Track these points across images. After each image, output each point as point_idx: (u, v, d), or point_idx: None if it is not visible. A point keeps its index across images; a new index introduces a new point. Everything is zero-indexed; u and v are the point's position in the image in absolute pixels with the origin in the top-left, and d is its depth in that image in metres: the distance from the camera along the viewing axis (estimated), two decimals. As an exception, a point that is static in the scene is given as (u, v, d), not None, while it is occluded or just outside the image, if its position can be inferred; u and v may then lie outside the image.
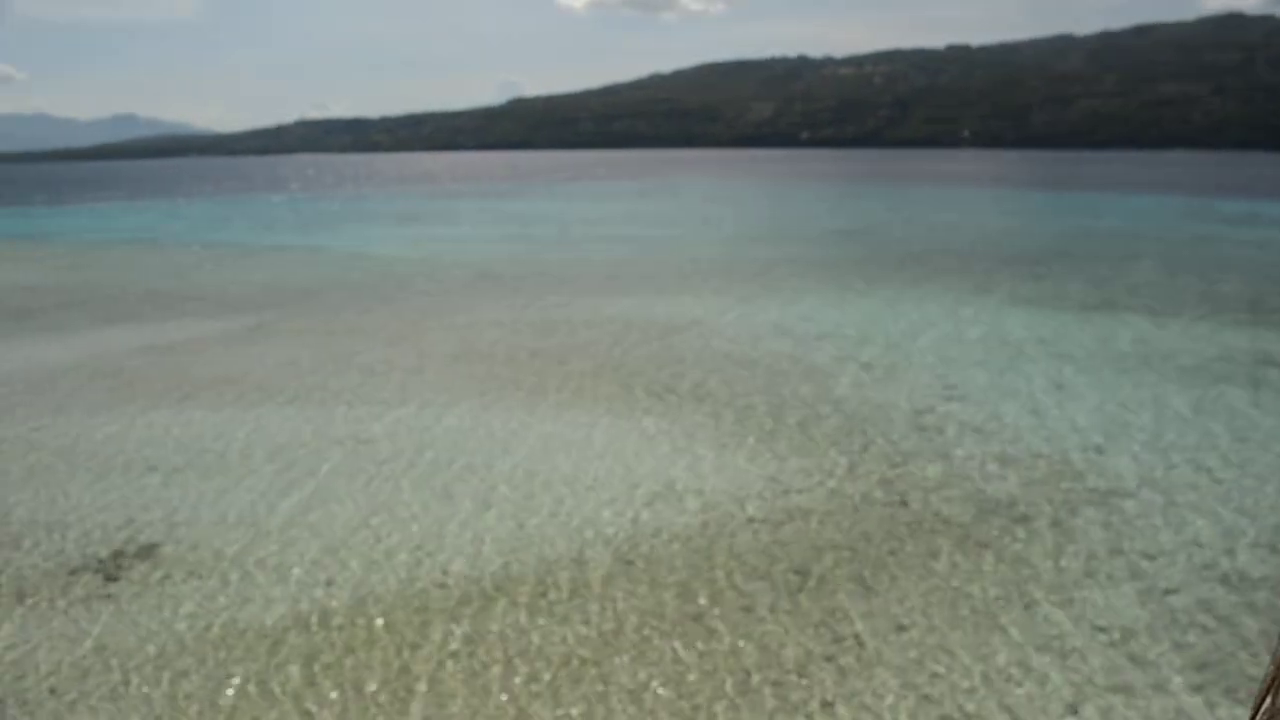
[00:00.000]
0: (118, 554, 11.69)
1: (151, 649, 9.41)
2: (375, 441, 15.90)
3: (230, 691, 8.64)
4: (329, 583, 10.78)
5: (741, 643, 9.32)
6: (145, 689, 8.71)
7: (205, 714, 8.30)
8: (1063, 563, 10.99)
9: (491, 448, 15.48)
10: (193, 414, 17.89)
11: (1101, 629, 9.46)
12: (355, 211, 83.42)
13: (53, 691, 8.72)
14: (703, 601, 10.17)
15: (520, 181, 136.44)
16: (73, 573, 11.21)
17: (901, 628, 9.57)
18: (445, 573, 10.99)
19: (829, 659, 9.04)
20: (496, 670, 8.94)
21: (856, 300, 29.26)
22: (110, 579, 11.01)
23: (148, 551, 11.72)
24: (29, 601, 10.52)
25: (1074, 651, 9.06)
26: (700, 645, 9.30)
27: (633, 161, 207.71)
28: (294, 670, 8.96)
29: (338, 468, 14.68)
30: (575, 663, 9.05)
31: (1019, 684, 8.54)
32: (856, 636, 9.43)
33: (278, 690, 8.64)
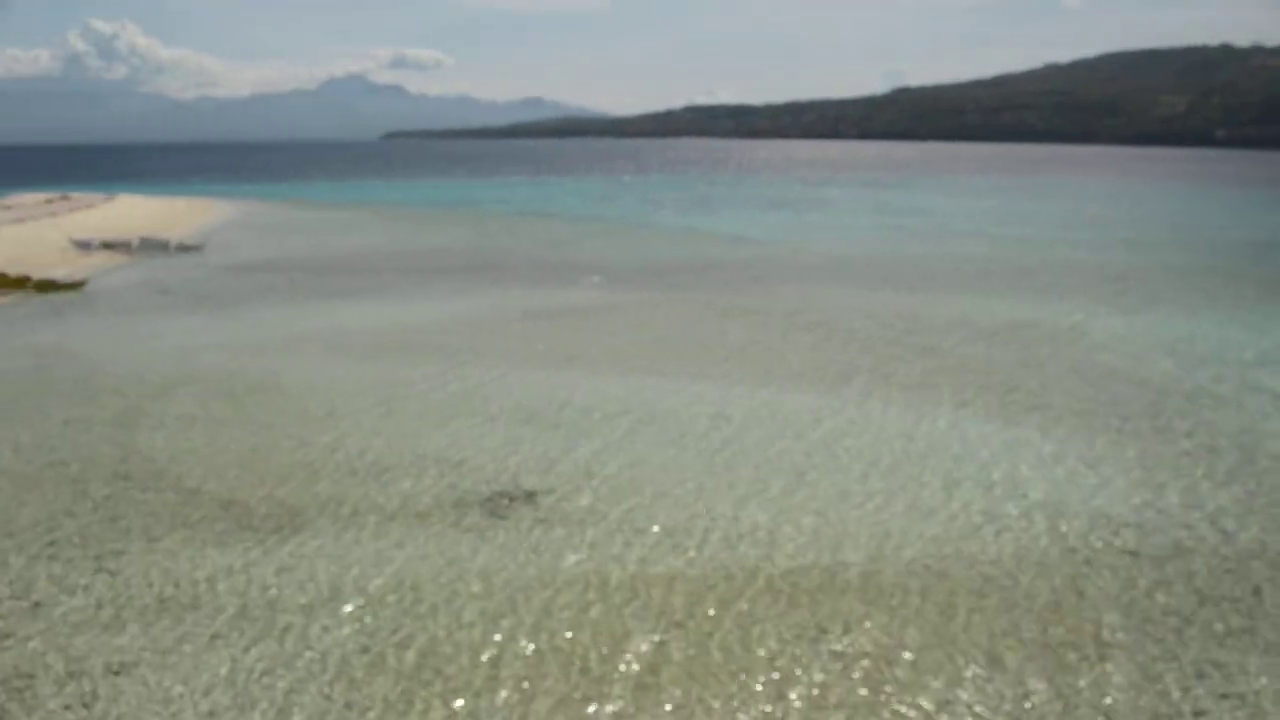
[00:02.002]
0: (503, 494, 13.11)
1: (528, 579, 10.49)
2: (735, 419, 16.51)
3: (573, 633, 9.43)
4: (683, 548, 11.38)
5: (1101, 685, 8.61)
6: (525, 616, 9.74)
7: (558, 650, 9.14)
8: None
9: (850, 438, 15.49)
10: (570, 375, 19.58)
11: None
12: (734, 195, 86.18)
13: (434, 607, 10.00)
14: (1060, 631, 9.51)
15: (898, 172, 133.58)
16: (462, 505, 12.73)
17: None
18: (792, 557, 11.19)
19: (1200, 715, 8.14)
20: (865, 665, 9.00)
21: (1260, 321, 25.56)
22: (496, 515, 12.38)
23: (529, 496, 13.03)
24: (428, 524, 12.12)
25: None
26: (1056, 679, 8.72)
27: (1019, 157, 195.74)
28: (645, 624, 9.60)
29: (702, 440, 15.41)
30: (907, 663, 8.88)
31: None
32: (1243, 697, 8.40)
33: (632, 634, 9.31)
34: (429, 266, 37.73)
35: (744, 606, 9.97)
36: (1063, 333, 23.79)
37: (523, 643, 9.24)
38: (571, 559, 11.11)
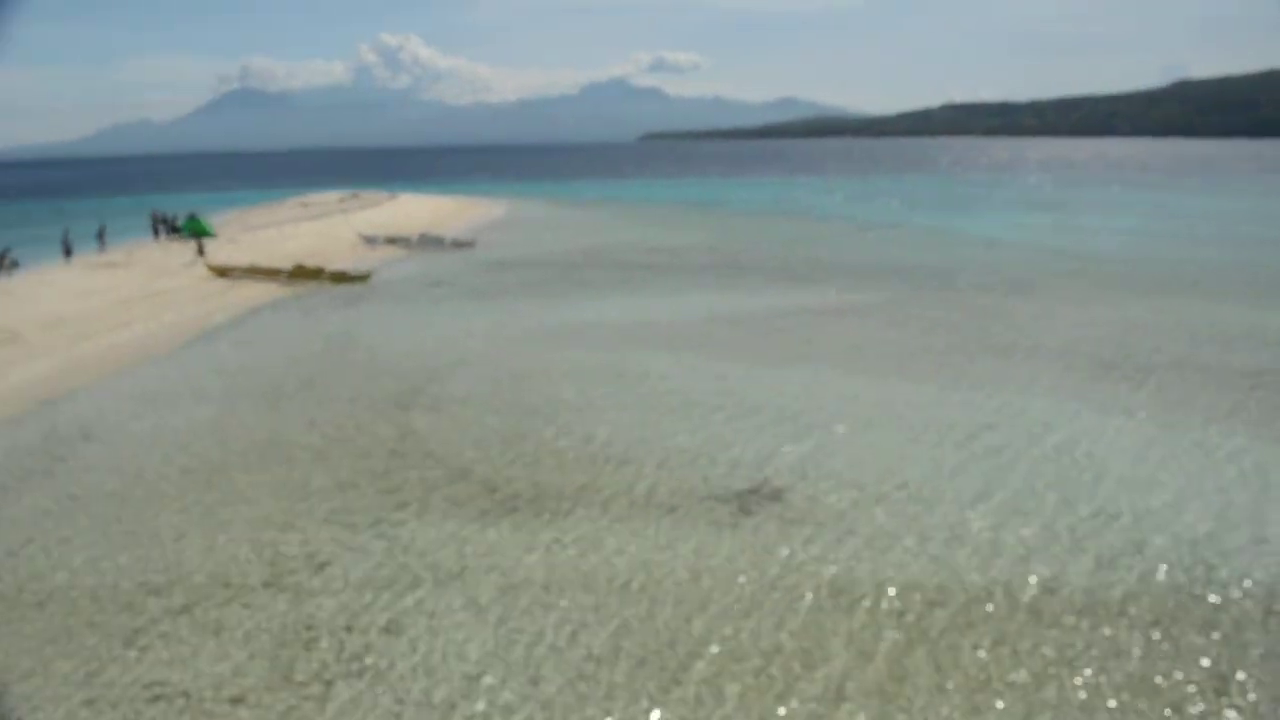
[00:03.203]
0: (752, 491, 13.20)
1: (770, 578, 10.52)
2: (997, 428, 15.82)
3: (816, 637, 9.34)
4: (938, 559, 11.02)
5: None
6: (770, 614, 9.79)
7: (799, 652, 9.09)
8: None
9: (1111, 454, 14.45)
10: (821, 375, 19.44)
11: None
12: (994, 196, 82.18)
13: (680, 599, 10.22)
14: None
15: (1178, 173, 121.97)
16: (712, 500, 12.93)
17: None
18: (1056, 579, 10.57)
19: None
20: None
21: None
22: (744, 511, 12.50)
23: (777, 494, 13.05)
24: (677, 514, 12.41)
25: None
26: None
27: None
28: (891, 636, 9.38)
29: (962, 451, 14.86)
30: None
31: None
32: None
33: (876, 648, 9.13)
34: (680, 264, 38.52)
35: (997, 625, 9.53)
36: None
37: (763, 642, 9.28)
38: (818, 561, 11.02)
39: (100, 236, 45.35)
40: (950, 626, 9.51)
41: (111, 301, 30.17)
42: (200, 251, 39.51)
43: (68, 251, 40.14)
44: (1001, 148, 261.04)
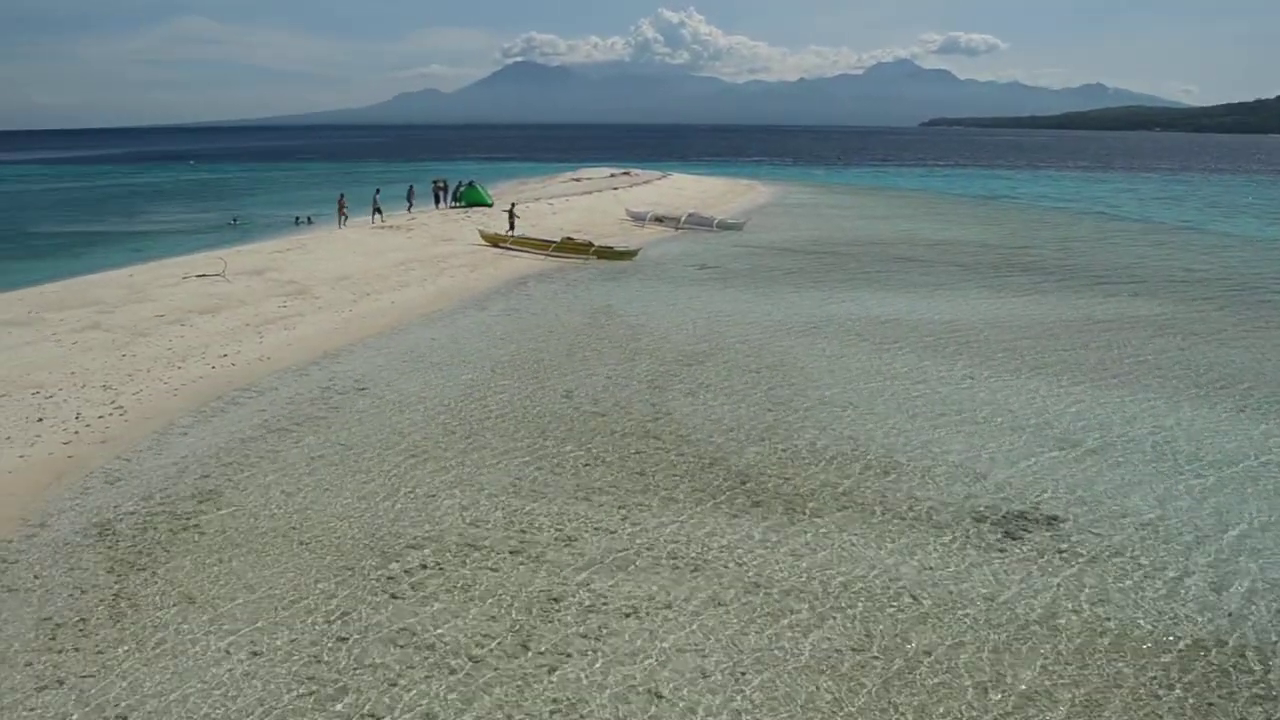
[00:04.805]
0: (1021, 514, 12.43)
1: (1038, 612, 9.83)
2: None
3: (1114, 699, 8.59)
4: (1231, 615, 9.91)
5: None
6: (1036, 652, 9.16)
7: (1054, 701, 8.41)
8: None
9: None
10: (1108, 395, 17.95)
11: None
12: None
13: (938, 622, 9.74)
14: None
15: None
16: (977, 519, 12.27)
17: None
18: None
19: None
20: None
21: None
22: (1009, 536, 11.78)
23: (1050, 522, 12.22)
24: (938, 530, 11.87)
25: None
26: None
27: None
28: (1176, 697, 8.51)
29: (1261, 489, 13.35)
30: None
31: None
32: None
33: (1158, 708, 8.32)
34: (953, 260, 36.91)
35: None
36: None
37: (1029, 686, 8.66)
38: (1094, 601, 10.17)
39: (409, 197, 51.21)
40: (1251, 698, 8.52)
41: (392, 263, 32.59)
42: (511, 226, 41.10)
43: (377, 210, 45.07)
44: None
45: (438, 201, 53.00)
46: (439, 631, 9.38)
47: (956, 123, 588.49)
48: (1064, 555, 11.27)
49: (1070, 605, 10.09)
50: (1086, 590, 10.42)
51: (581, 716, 8.11)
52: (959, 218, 56.26)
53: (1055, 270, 34.56)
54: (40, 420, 15.34)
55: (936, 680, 8.68)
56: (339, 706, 8.17)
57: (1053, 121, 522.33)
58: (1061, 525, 12.12)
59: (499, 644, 9.17)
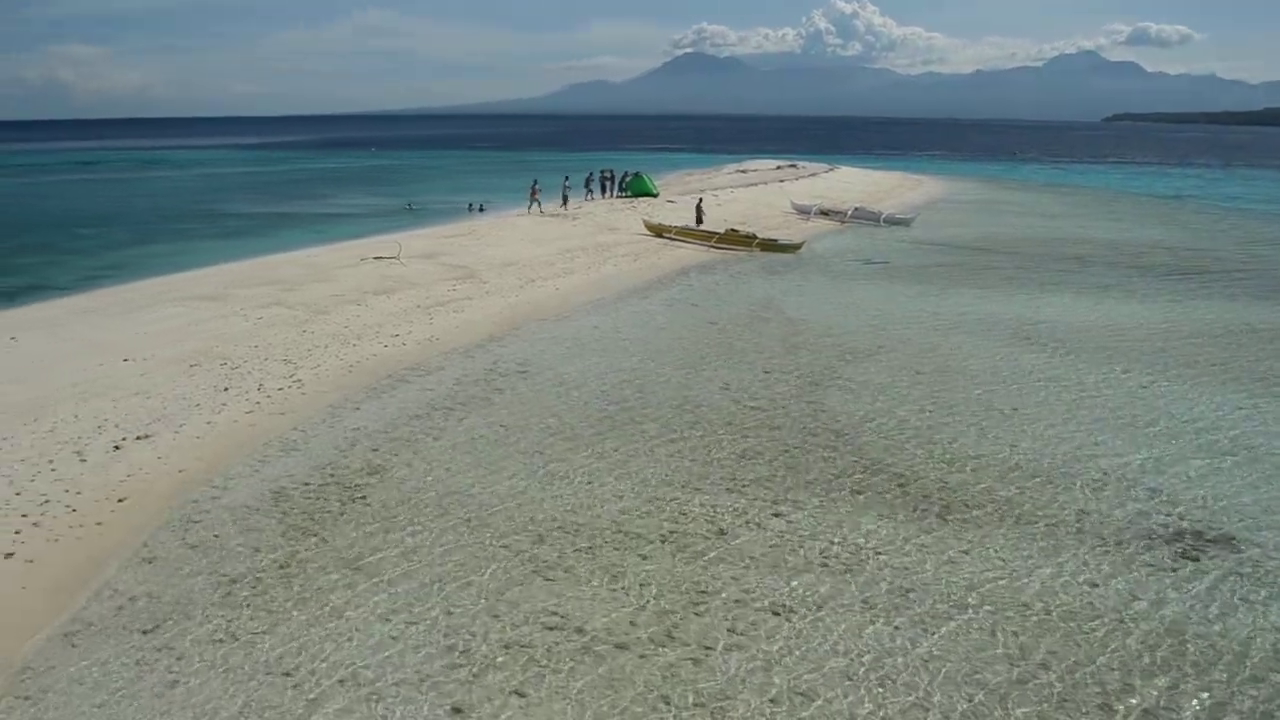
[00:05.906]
0: (1196, 533, 11.70)
1: (1218, 641, 9.23)
2: None
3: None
4: None
5: None
6: (1207, 677, 8.63)
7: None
8: None
9: None
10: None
11: None
12: None
13: (1103, 644, 9.26)
14: None
15: None
16: (1149, 537, 11.61)
17: None
18: None
19: None
20: None
21: None
22: (1187, 556, 11.10)
23: (1229, 542, 11.47)
24: (1106, 546, 11.28)
25: None
26: None
27: None
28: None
29: None
30: None
31: None
32: None
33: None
34: (1130, 262, 34.88)
35: None
36: None
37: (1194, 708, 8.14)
38: (1268, 624, 9.51)
39: (588, 185, 53.53)
40: None
41: (558, 250, 33.24)
42: (699, 220, 40.42)
43: (565, 200, 47.41)
44: None
45: (604, 191, 53.77)
46: (587, 615, 9.52)
47: (1143, 118, 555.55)
48: (1248, 579, 10.53)
49: (1258, 631, 9.44)
50: (1272, 617, 9.73)
51: (726, 713, 8.10)
52: (1140, 217, 53.21)
53: (1242, 276, 32.29)
54: (226, 389, 16.35)
55: (1102, 707, 8.28)
56: (488, 679, 8.41)
57: (1251, 117, 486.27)
58: (1243, 547, 11.33)
59: (645, 633, 9.23)
